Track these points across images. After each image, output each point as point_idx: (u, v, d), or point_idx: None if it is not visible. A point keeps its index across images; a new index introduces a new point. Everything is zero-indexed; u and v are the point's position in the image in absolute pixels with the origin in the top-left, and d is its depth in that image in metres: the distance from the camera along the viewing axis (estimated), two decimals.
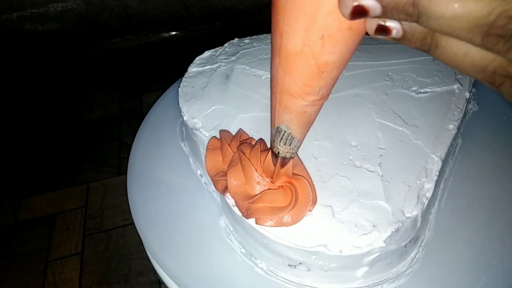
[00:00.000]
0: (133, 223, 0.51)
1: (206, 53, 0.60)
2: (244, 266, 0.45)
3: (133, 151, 0.58)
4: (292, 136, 0.31)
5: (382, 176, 0.41)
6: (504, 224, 0.46)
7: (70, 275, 0.64)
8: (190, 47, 1.07)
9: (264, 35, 0.63)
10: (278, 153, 0.33)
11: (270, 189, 0.37)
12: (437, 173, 0.42)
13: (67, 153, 0.84)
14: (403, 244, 0.40)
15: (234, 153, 0.42)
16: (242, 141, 0.44)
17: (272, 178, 0.38)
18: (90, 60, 1.06)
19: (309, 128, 0.31)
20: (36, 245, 0.69)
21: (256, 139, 0.45)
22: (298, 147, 0.33)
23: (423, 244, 0.45)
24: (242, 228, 0.43)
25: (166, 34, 1.10)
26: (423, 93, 0.50)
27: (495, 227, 0.46)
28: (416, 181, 0.41)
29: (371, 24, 0.21)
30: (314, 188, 0.39)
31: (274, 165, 0.36)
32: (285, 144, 0.32)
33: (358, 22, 0.22)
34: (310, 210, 0.38)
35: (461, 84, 0.51)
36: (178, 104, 0.52)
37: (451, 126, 0.46)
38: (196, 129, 0.49)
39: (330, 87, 0.28)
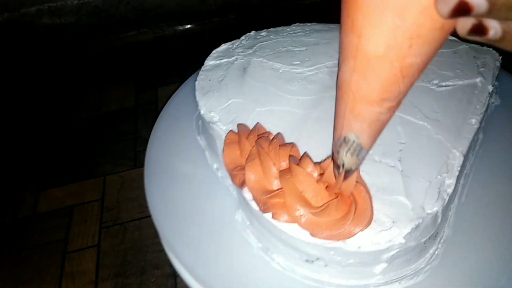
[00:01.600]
0: (149, 216, 0.51)
1: (223, 46, 0.60)
2: (261, 261, 0.45)
3: (150, 144, 0.58)
4: (361, 146, 0.29)
5: (402, 171, 0.40)
6: None
7: (87, 266, 0.64)
8: (205, 40, 1.07)
9: (281, 27, 0.62)
10: (343, 164, 0.30)
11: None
12: (459, 169, 0.41)
13: (84, 145, 0.84)
14: (423, 240, 0.39)
15: (252, 147, 0.42)
16: (260, 135, 0.43)
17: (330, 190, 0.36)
18: (107, 53, 1.07)
19: (378, 137, 0.29)
20: (54, 237, 0.70)
21: (274, 133, 0.45)
22: (364, 159, 0.30)
23: (442, 241, 0.44)
24: (259, 223, 0.43)
25: (181, 27, 1.10)
26: (445, 86, 0.49)
27: None
28: (437, 176, 0.40)
29: (464, 23, 0.19)
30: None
31: (336, 177, 0.34)
32: (351, 155, 0.29)
33: (452, 21, 0.20)
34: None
35: (483, 77, 0.49)
36: (195, 97, 0.52)
37: (473, 121, 0.45)
38: (213, 123, 0.49)
39: (407, 92, 0.25)
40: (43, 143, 0.86)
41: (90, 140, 0.85)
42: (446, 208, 0.40)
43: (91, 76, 1.02)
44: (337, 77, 0.28)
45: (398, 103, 0.26)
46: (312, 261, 0.40)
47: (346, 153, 0.30)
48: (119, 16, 1.05)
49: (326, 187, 0.36)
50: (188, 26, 1.11)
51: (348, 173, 0.32)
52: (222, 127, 0.48)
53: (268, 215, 0.39)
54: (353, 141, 0.29)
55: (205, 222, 0.49)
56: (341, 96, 0.28)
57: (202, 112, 0.50)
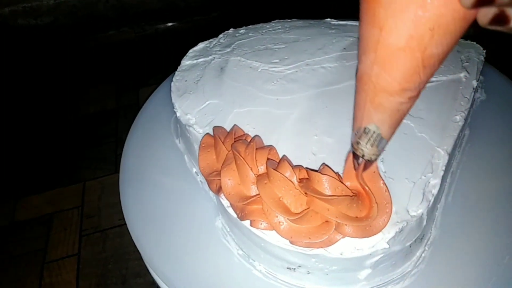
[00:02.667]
0: None
1: (200, 45, 0.58)
2: (242, 268, 0.43)
3: (126, 149, 0.56)
4: (381, 136, 0.29)
5: (385, 172, 0.39)
6: None
7: (68, 276, 0.62)
8: (187, 38, 1.04)
9: (261, 24, 0.60)
10: (363, 155, 0.31)
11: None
12: (444, 168, 0.39)
13: (63, 150, 0.82)
14: (408, 244, 0.38)
15: (228, 151, 0.40)
16: (236, 138, 0.42)
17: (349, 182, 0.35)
18: (86, 54, 1.04)
19: (398, 127, 0.30)
20: (33, 246, 0.67)
21: (252, 135, 0.43)
22: (384, 149, 0.31)
23: (429, 243, 0.42)
24: (238, 230, 0.41)
25: (162, 26, 1.07)
26: (428, 82, 0.47)
27: (505, 222, 0.44)
28: (421, 177, 0.38)
29: (486, 13, 0.19)
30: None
31: (355, 169, 0.34)
32: (372, 145, 0.30)
33: (473, 11, 0.20)
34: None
35: (468, 72, 0.48)
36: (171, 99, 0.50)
37: (458, 117, 0.43)
38: (189, 126, 0.47)
39: (427, 82, 0.26)
40: (20, 148, 0.83)
41: (69, 144, 0.83)
42: (431, 210, 0.39)
43: (70, 78, 0.99)
44: (357, 69, 0.29)
45: (418, 93, 0.27)
46: (294, 269, 0.39)
47: (366, 144, 0.30)
48: (98, 15, 1.02)
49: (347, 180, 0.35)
50: (170, 24, 1.08)
51: (368, 163, 0.32)
52: (199, 130, 0.46)
53: (247, 222, 0.37)
54: (374, 132, 0.29)
55: (184, 229, 0.47)
56: (361, 87, 0.28)
57: (178, 114, 0.48)
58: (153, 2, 1.04)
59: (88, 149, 0.81)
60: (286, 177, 0.35)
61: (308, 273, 0.38)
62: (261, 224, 0.36)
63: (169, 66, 0.78)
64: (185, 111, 0.48)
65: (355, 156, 0.32)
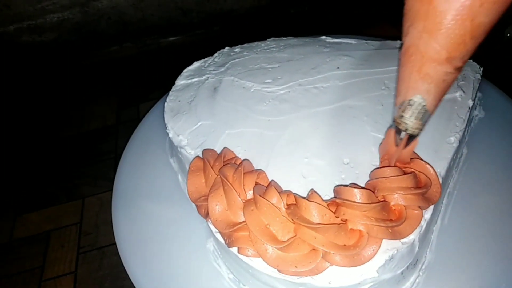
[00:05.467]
0: None
1: (195, 64, 0.58)
2: None
3: (120, 168, 0.56)
4: (425, 109, 0.30)
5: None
6: None
7: None
8: (189, 53, 1.05)
9: (256, 43, 0.60)
10: (406, 129, 0.31)
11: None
12: None
13: (63, 166, 0.82)
14: (400, 271, 0.37)
15: (217, 176, 0.39)
16: (226, 161, 0.41)
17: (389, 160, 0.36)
18: (89, 70, 1.05)
19: (441, 101, 0.30)
20: (31, 264, 0.67)
21: (243, 157, 0.42)
22: (427, 123, 0.31)
23: (423, 267, 0.41)
24: (228, 254, 0.40)
25: (164, 40, 1.08)
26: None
27: (502, 245, 0.42)
28: None
29: None
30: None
31: (397, 145, 0.34)
32: (416, 118, 0.30)
33: None
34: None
35: (463, 91, 0.47)
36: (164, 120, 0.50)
37: (452, 139, 0.43)
38: (181, 147, 0.47)
39: (471, 54, 0.27)
40: (19, 164, 0.83)
41: (69, 161, 0.83)
42: (424, 235, 0.38)
43: (72, 93, 1.00)
44: (401, 45, 0.30)
45: (462, 65, 0.28)
46: None
47: (410, 117, 0.30)
48: (101, 32, 1.03)
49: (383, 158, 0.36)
50: (173, 38, 1.09)
51: (410, 139, 0.33)
52: (190, 152, 0.46)
53: (235, 249, 0.37)
54: (419, 103, 0.30)
55: (175, 251, 0.46)
56: (407, 59, 0.29)
57: (170, 135, 0.48)
58: (155, 18, 1.05)
59: (88, 166, 0.81)
60: (272, 204, 0.35)
61: None
62: (248, 251, 0.36)
63: (170, 81, 0.78)
64: (177, 132, 0.48)
65: (397, 131, 0.32)
